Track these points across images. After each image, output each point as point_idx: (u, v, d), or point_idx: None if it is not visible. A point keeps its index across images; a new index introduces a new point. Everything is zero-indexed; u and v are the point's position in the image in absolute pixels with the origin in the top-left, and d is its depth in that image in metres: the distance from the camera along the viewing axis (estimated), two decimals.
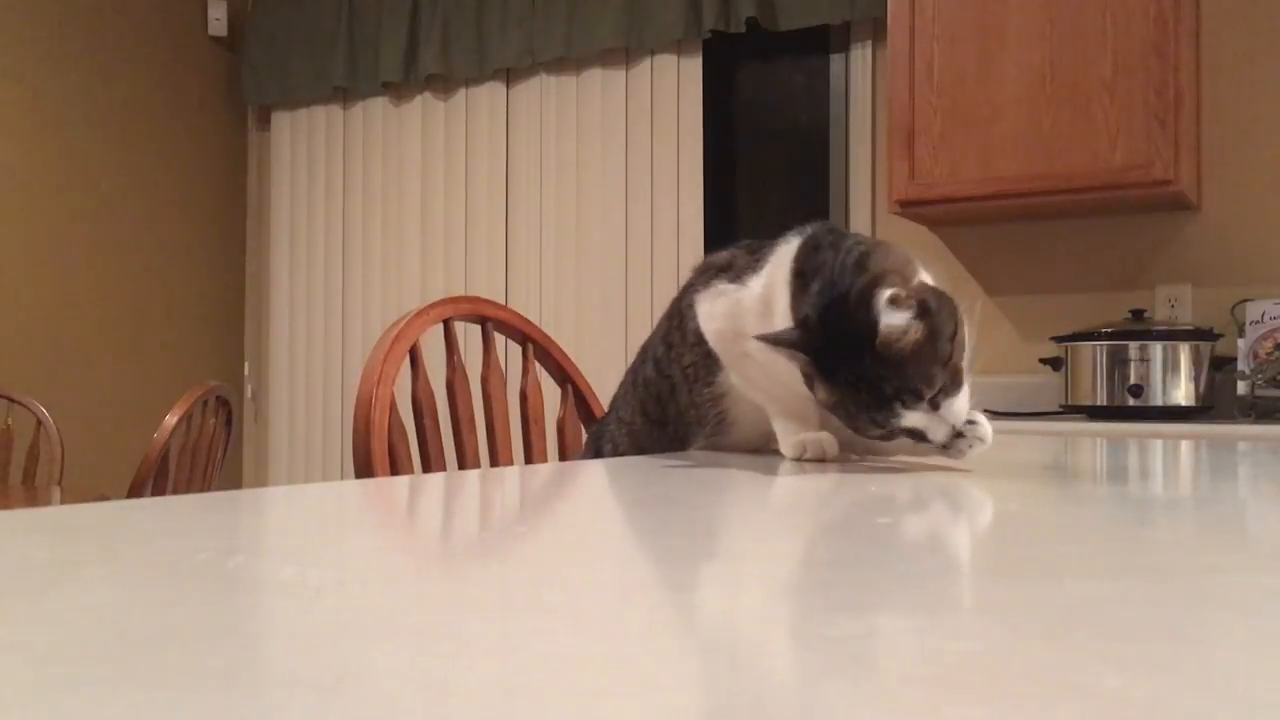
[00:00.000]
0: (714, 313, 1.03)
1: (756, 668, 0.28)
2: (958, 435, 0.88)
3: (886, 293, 0.84)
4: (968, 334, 0.89)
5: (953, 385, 0.86)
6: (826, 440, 0.96)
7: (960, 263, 2.88)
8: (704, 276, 1.08)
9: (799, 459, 0.96)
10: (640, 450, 1.13)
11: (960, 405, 0.87)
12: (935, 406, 0.86)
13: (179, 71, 3.99)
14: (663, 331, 1.13)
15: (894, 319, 0.84)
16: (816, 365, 0.87)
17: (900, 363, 0.84)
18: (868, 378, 0.85)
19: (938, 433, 0.87)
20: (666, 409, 1.11)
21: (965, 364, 0.88)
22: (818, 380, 0.88)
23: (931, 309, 0.86)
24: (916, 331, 0.84)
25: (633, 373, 1.18)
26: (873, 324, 0.83)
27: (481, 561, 0.47)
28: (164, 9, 3.94)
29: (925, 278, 0.93)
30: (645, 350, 1.17)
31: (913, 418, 0.86)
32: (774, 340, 0.89)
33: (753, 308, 0.99)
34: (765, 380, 1.00)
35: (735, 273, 1.03)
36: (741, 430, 1.07)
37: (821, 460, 0.95)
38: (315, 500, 0.72)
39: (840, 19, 3.12)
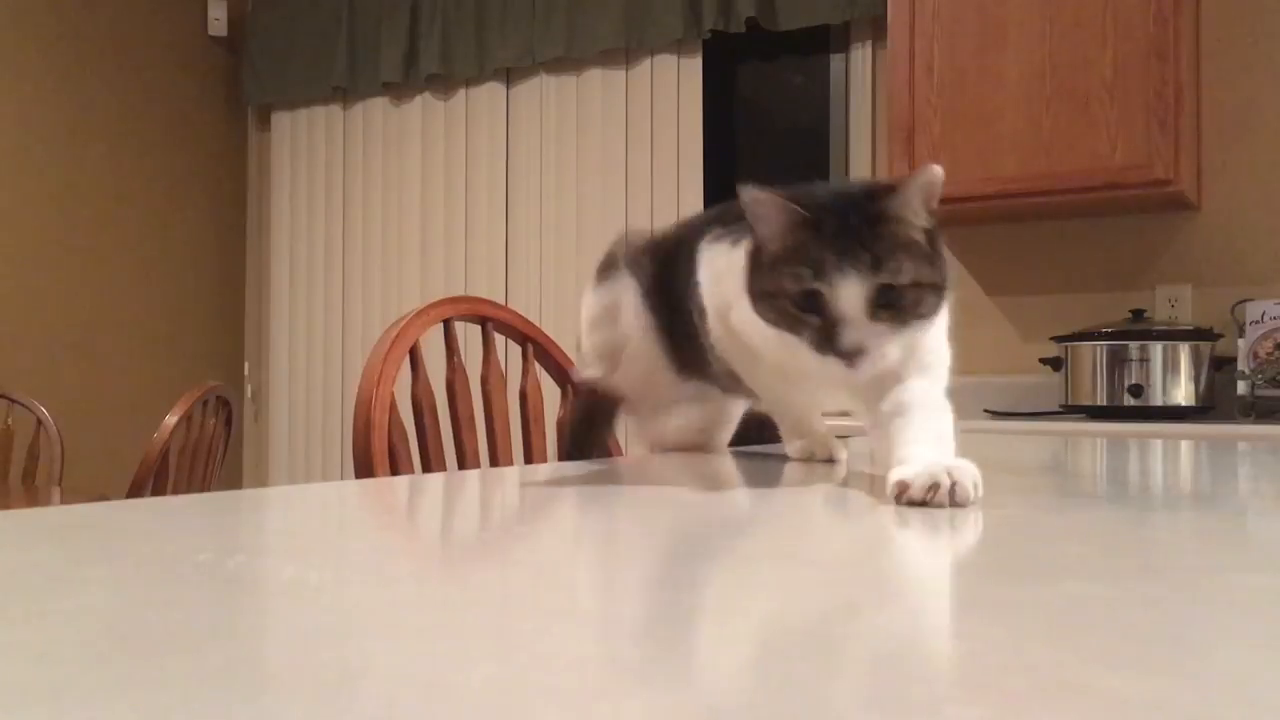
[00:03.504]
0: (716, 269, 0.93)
1: (756, 667, 0.28)
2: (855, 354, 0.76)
3: (937, 179, 0.78)
4: (926, 327, 0.80)
5: (899, 317, 0.76)
6: (833, 441, 0.94)
7: (960, 263, 2.88)
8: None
9: (808, 460, 0.94)
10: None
11: (885, 350, 0.76)
12: (872, 314, 0.75)
13: (179, 71, 3.99)
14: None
15: (917, 204, 0.78)
16: (809, 215, 0.77)
17: (887, 235, 0.76)
18: (849, 229, 0.76)
19: (849, 334, 0.75)
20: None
21: (913, 328, 0.78)
22: (793, 231, 0.78)
23: (939, 249, 0.80)
24: (916, 230, 0.78)
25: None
26: (893, 190, 0.77)
27: (481, 561, 0.47)
28: (164, 9, 3.93)
29: None
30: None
31: (849, 291, 0.75)
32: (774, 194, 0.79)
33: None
34: (757, 367, 0.92)
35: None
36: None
37: (829, 461, 0.94)
38: (315, 500, 0.72)
39: (840, 19, 3.12)
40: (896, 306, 0.75)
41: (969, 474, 0.65)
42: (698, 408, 1.12)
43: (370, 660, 0.28)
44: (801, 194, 0.79)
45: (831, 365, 0.76)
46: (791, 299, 0.77)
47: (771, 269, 0.78)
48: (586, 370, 1.12)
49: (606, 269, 1.10)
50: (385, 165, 3.87)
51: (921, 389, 0.81)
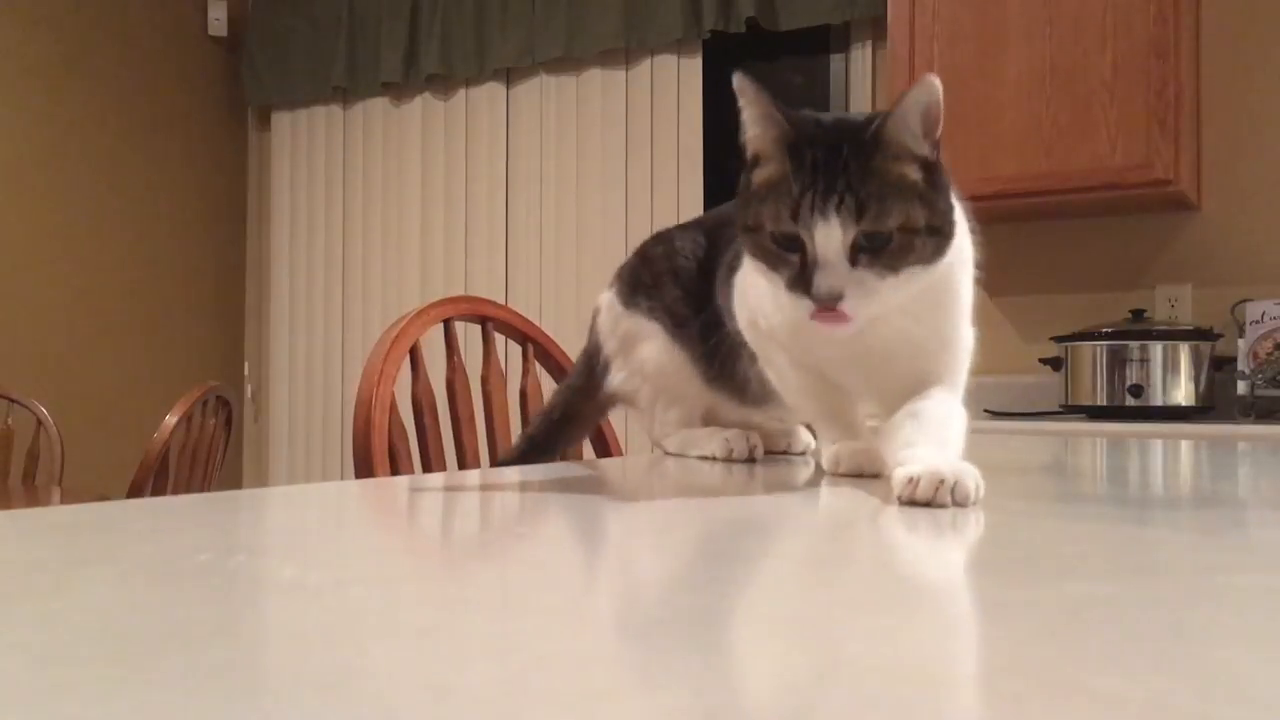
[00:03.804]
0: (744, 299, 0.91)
1: (756, 667, 0.28)
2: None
3: (935, 96, 0.72)
4: (934, 273, 0.75)
5: (887, 260, 0.72)
6: (864, 453, 0.84)
7: None
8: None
9: (856, 475, 0.83)
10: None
11: (869, 299, 0.73)
12: (853, 259, 0.71)
13: (179, 71, 3.99)
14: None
15: (912, 124, 0.72)
16: (796, 138, 0.74)
17: (875, 171, 0.71)
18: (835, 163, 0.71)
19: (826, 279, 0.71)
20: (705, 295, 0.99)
21: (905, 275, 0.73)
22: (783, 156, 0.75)
23: (941, 183, 0.74)
24: (910, 163, 0.73)
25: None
26: (886, 116, 0.71)
27: (481, 561, 0.47)
28: (164, 9, 3.93)
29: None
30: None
31: (828, 235, 0.71)
32: (756, 90, 0.76)
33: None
34: (791, 372, 0.89)
35: None
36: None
37: (859, 475, 0.83)
38: (315, 500, 0.72)
39: (840, 19, 3.12)
40: (882, 252, 0.71)
41: (971, 475, 0.65)
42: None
43: (370, 660, 0.28)
44: (795, 113, 0.76)
45: (804, 308, 0.73)
46: (771, 236, 0.74)
47: (757, 200, 0.75)
48: (614, 376, 1.09)
49: (631, 290, 1.07)
50: (385, 165, 3.87)
51: (940, 396, 0.80)
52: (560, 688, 0.26)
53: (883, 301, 0.74)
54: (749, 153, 0.78)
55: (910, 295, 0.76)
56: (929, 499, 0.64)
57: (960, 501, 0.64)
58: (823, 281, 0.71)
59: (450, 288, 3.70)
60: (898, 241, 0.72)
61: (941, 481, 0.64)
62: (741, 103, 0.77)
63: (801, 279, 0.73)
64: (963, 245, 0.82)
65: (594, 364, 1.12)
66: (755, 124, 0.77)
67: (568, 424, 1.18)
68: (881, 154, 0.72)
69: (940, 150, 0.75)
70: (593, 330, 1.13)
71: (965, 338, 0.85)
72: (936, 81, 0.71)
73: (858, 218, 0.70)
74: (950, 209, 0.76)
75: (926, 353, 0.82)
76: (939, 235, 0.74)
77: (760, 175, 0.77)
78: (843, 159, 0.71)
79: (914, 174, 0.73)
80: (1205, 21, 2.69)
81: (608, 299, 1.10)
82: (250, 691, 0.26)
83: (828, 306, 0.72)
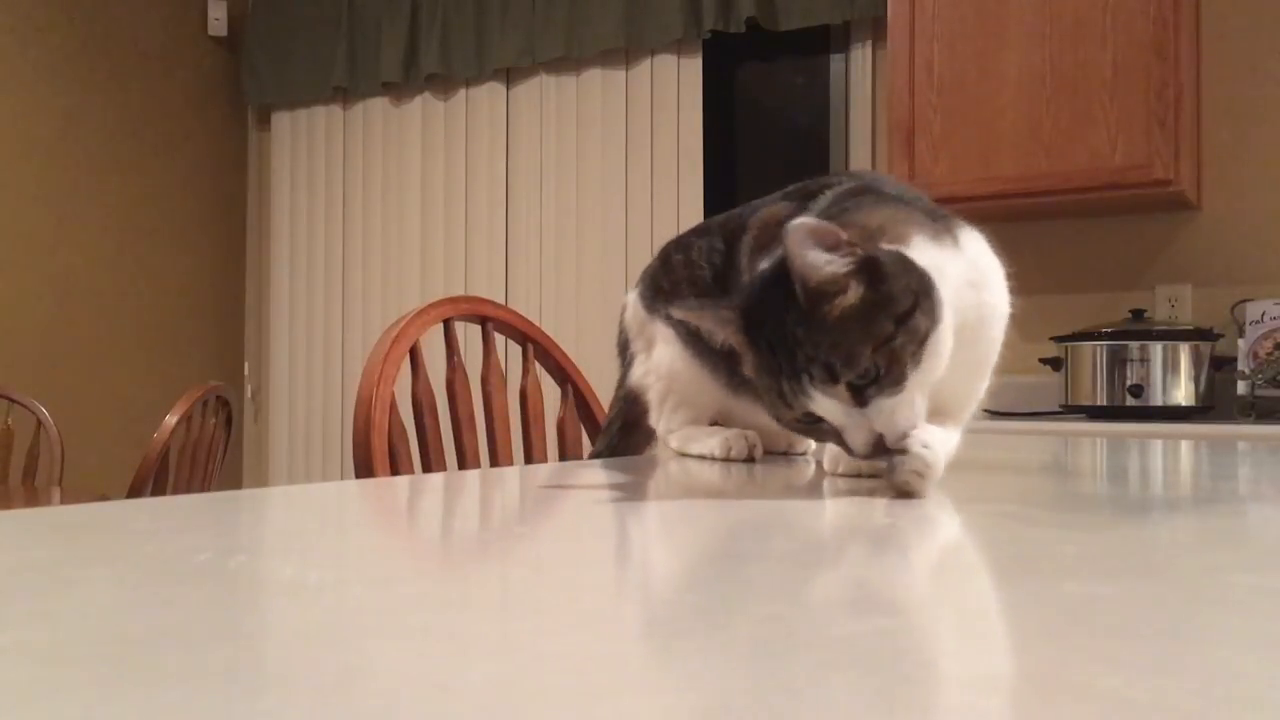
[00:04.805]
0: None
1: (756, 667, 0.28)
2: (893, 451, 0.70)
3: (809, 224, 0.68)
4: (947, 334, 0.72)
5: (888, 380, 0.69)
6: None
7: None
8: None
9: (833, 473, 0.83)
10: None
11: (900, 413, 0.70)
12: (861, 401, 0.70)
13: (179, 71, 3.99)
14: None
15: (813, 258, 0.68)
16: (746, 326, 0.73)
17: (820, 323, 0.69)
18: (786, 339, 0.70)
19: (856, 435, 0.71)
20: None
21: (923, 365, 0.71)
22: (746, 349, 0.75)
23: (883, 273, 0.70)
24: (846, 287, 0.69)
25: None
26: (796, 276, 0.68)
27: (481, 561, 0.47)
28: (164, 9, 3.93)
29: (938, 251, 0.78)
30: None
31: (824, 404, 0.70)
32: (696, 308, 0.78)
33: None
34: None
35: None
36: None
37: (858, 476, 0.82)
38: (315, 500, 0.72)
39: (840, 19, 3.12)
40: (881, 377, 0.69)
41: (932, 476, 0.67)
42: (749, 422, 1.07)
43: (370, 660, 0.28)
44: (732, 300, 0.77)
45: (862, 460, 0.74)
46: (793, 421, 0.74)
47: (760, 393, 0.76)
48: (635, 370, 1.12)
49: (652, 294, 1.09)
50: (385, 165, 3.87)
51: (947, 423, 0.79)
52: (560, 688, 0.26)
53: (917, 396, 0.72)
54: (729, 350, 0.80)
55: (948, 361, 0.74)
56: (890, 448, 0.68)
57: (904, 481, 0.67)
58: (855, 441, 0.71)
59: (450, 288, 3.70)
60: (884, 359, 0.69)
61: (923, 462, 0.67)
62: (692, 328, 0.81)
63: (842, 443, 0.73)
64: (997, 303, 0.83)
65: (625, 357, 1.16)
66: (713, 335, 0.78)
67: (629, 433, 1.19)
68: (816, 304, 0.69)
69: (862, 241, 0.70)
70: (621, 326, 1.17)
71: (983, 388, 0.86)
72: (793, 225, 0.68)
73: (833, 379, 0.69)
74: (906, 274, 0.71)
75: (952, 401, 0.81)
76: (916, 308, 0.70)
77: (747, 368, 0.77)
78: (788, 330, 0.70)
79: (854, 295, 0.69)
80: (1205, 21, 2.69)
81: (633, 299, 1.14)
82: (250, 691, 0.26)
83: (874, 456, 0.72)
